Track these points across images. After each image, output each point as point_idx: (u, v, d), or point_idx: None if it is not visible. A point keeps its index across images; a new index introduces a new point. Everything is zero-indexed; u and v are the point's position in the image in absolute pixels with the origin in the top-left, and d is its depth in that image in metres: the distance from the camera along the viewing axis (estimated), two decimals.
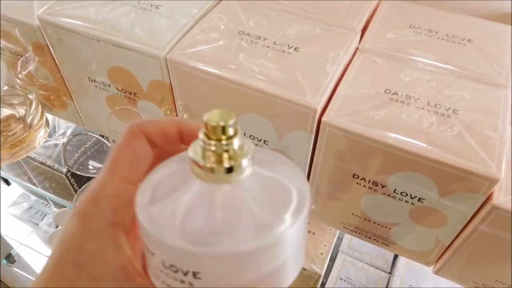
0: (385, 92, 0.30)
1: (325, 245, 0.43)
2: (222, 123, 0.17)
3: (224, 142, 0.17)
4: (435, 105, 0.29)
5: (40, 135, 0.43)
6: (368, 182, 0.31)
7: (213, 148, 0.17)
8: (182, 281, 0.17)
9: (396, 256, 0.52)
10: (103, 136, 0.56)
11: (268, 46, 0.32)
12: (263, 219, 0.18)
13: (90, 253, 0.17)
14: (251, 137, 0.33)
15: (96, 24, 0.33)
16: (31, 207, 0.89)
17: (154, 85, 0.34)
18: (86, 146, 0.56)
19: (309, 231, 0.44)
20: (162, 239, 0.17)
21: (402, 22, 0.36)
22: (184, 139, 0.20)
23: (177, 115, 0.36)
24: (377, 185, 0.31)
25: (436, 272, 0.35)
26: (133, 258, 0.18)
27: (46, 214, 0.88)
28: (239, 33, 0.33)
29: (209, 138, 0.17)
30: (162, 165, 0.20)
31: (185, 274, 0.17)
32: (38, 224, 0.87)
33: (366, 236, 0.36)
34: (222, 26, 0.33)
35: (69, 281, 0.17)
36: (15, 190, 0.90)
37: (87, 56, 0.35)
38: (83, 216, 0.18)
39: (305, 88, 0.29)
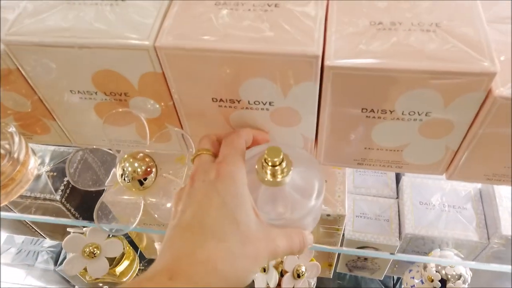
0: (370, 24, 0.31)
1: (339, 188, 0.45)
2: (275, 160, 0.31)
3: (277, 168, 0.31)
4: (418, 24, 0.31)
5: (31, 167, 0.41)
6: (377, 112, 0.33)
7: (270, 171, 0.32)
8: None
9: (398, 181, 0.56)
10: (86, 149, 0.54)
11: (249, 10, 0.32)
12: (300, 202, 0.34)
13: None
14: (256, 102, 0.34)
15: (68, 31, 0.31)
16: (20, 251, 0.84)
17: (145, 78, 0.34)
18: (74, 166, 0.53)
19: None
20: None
21: None
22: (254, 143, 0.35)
23: (174, 104, 0.36)
24: (386, 112, 0.33)
25: (449, 178, 0.38)
26: None
27: (38, 252, 0.84)
28: (215, 4, 0.33)
29: (268, 164, 0.31)
30: None
31: None
32: (33, 265, 0.83)
33: (380, 165, 0.39)
34: (197, 1, 0.33)
35: None
36: None
37: (66, 67, 0.33)
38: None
39: (300, 40, 0.30)
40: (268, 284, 0.44)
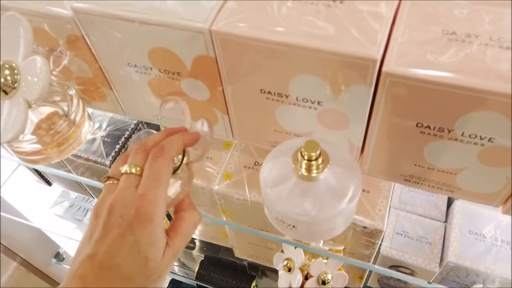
0: (442, 33, 0.29)
1: (381, 201, 0.43)
2: (312, 154, 0.30)
3: (312, 163, 0.31)
4: (498, 39, 0.28)
5: (85, 130, 0.43)
6: (434, 129, 0.30)
7: (305, 165, 0.31)
8: (286, 227, 0.35)
9: (449, 205, 0.52)
10: (141, 122, 0.56)
11: (312, 3, 0.31)
12: (329, 202, 0.32)
13: None
14: (304, 100, 0.33)
15: (131, 5, 0.32)
16: (72, 205, 0.91)
17: (198, 61, 0.34)
18: (125, 135, 0.56)
19: (364, 190, 0.44)
20: (277, 208, 0.33)
21: None
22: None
23: (223, 91, 0.36)
24: (443, 131, 0.30)
25: (506, 212, 0.35)
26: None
27: (88, 209, 0.90)
28: None
29: (303, 157, 0.31)
30: (271, 156, 0.35)
31: (288, 225, 0.34)
32: (81, 220, 0.89)
33: (429, 185, 0.36)
34: None
35: None
36: (54, 190, 0.91)
37: (126, 40, 0.34)
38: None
39: (360, 40, 0.28)
40: (291, 284, 0.43)
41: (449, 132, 0.30)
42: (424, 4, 0.31)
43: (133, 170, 0.31)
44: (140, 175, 0.31)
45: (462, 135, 0.30)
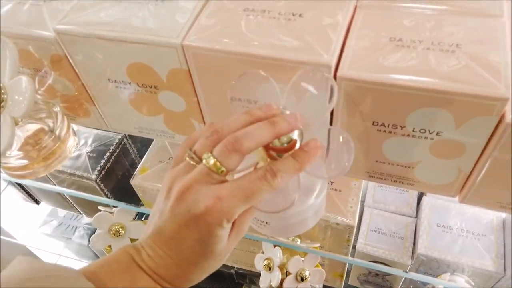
0: (390, 40, 0.32)
1: (352, 199, 0.46)
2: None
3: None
4: (439, 43, 0.31)
5: (70, 145, 0.46)
6: (388, 126, 0.33)
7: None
8: (260, 224, 0.37)
9: (419, 201, 0.55)
10: (125, 137, 0.58)
11: (274, 18, 0.34)
12: (299, 199, 0.33)
13: None
14: None
15: (109, 25, 0.35)
16: (60, 224, 0.92)
17: (173, 74, 0.36)
18: (110, 150, 0.58)
19: (336, 189, 0.47)
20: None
21: None
22: None
23: (198, 101, 0.38)
24: (396, 128, 0.33)
25: (462, 201, 0.38)
26: None
27: (76, 227, 0.91)
28: (244, 10, 0.35)
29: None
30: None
31: (262, 222, 0.37)
32: (70, 239, 0.90)
33: (392, 180, 0.39)
34: (229, 6, 0.35)
35: None
36: (43, 209, 0.93)
37: (105, 58, 0.37)
38: None
39: (317, 49, 0.31)
40: (271, 282, 0.45)
41: (401, 128, 0.33)
42: (376, 15, 0.34)
43: (214, 168, 0.27)
44: (224, 174, 0.27)
45: (413, 130, 0.33)
